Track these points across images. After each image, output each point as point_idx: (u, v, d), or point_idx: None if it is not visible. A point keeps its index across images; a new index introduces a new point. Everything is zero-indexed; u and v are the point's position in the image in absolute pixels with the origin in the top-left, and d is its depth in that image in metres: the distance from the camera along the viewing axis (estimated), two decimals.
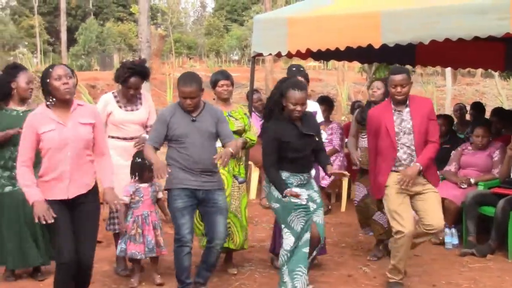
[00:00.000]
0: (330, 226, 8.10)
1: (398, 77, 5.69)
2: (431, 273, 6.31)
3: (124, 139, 6.20)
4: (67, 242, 4.63)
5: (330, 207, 9.21)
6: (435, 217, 5.68)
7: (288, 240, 5.29)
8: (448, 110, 16.03)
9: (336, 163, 8.94)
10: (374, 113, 5.93)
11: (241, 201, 6.33)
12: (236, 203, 6.29)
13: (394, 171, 5.75)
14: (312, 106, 6.82)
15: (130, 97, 6.25)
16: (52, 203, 4.58)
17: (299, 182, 5.37)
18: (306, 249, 5.32)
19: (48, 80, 4.57)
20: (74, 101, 4.71)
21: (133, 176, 6.00)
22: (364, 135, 6.78)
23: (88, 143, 4.71)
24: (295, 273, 5.27)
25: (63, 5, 26.18)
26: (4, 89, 5.98)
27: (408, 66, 11.60)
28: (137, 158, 5.96)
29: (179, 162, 5.37)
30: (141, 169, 5.93)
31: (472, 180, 7.57)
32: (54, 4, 50.01)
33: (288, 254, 5.29)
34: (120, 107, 6.23)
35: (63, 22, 25.90)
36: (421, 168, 5.64)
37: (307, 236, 5.31)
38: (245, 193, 6.41)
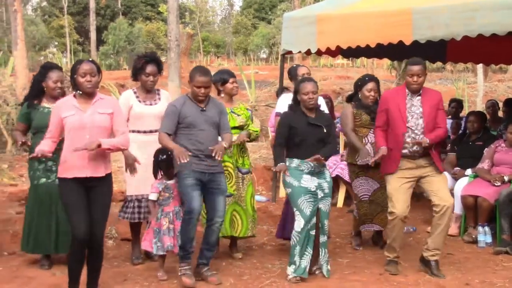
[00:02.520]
0: None
1: (415, 68, 6.03)
2: (464, 272, 6.24)
3: (144, 132, 6.47)
4: (82, 219, 5.14)
5: None
6: (441, 196, 6.03)
7: (299, 223, 5.92)
8: (480, 107, 15.82)
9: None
10: (388, 94, 6.39)
11: (246, 191, 6.75)
12: (239, 193, 6.71)
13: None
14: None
15: (149, 88, 6.54)
16: (70, 182, 5.14)
17: (309, 169, 5.97)
18: (313, 232, 5.96)
19: (75, 76, 5.16)
20: (98, 95, 5.28)
21: (158, 174, 6.12)
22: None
23: (105, 130, 5.21)
24: (303, 253, 5.93)
25: (92, 5, 26.36)
26: (36, 88, 6.39)
27: (439, 63, 11.54)
28: (160, 156, 6.07)
29: (188, 148, 5.79)
30: (167, 166, 6.04)
31: (506, 178, 7.47)
32: (83, 4, 50.42)
33: (299, 236, 5.91)
34: (140, 101, 6.51)
35: (92, 22, 26.08)
36: (428, 142, 5.99)
37: (314, 220, 5.94)
38: (250, 183, 6.84)
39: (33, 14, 53.75)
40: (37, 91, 6.38)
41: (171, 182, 6.06)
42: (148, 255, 6.63)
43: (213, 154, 5.67)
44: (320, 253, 6.07)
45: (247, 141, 6.85)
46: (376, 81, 7.07)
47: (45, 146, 5.17)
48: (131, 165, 6.07)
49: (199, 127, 5.87)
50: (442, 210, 5.99)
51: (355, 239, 7.28)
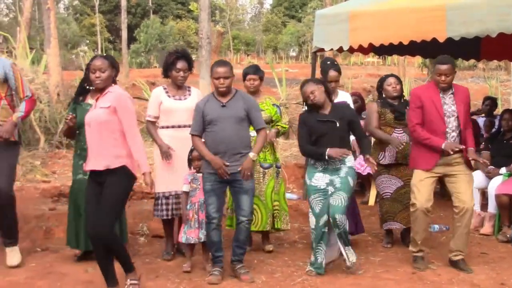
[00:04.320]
0: None
1: (443, 67, 6.00)
2: (499, 271, 6.15)
3: (173, 127, 6.53)
4: (90, 215, 5.28)
5: None
6: (462, 198, 6.03)
7: (311, 219, 6.10)
8: None
9: None
10: (420, 91, 6.26)
11: (266, 185, 6.80)
12: (260, 187, 6.74)
13: None
14: (343, 96, 7.17)
15: (179, 83, 6.59)
16: (89, 177, 5.40)
17: (323, 166, 6.03)
18: (325, 229, 6.04)
19: (87, 72, 5.40)
20: (109, 89, 5.32)
21: (190, 167, 6.29)
22: (399, 130, 6.90)
23: (106, 125, 5.21)
24: (316, 249, 6.07)
25: (123, 3, 26.39)
26: (82, 86, 6.53)
27: (471, 61, 11.38)
28: (189, 153, 6.27)
29: (210, 146, 5.84)
30: (190, 160, 6.25)
31: None
32: (114, 3, 50.78)
33: (314, 232, 6.08)
34: (169, 96, 6.57)
35: (123, 20, 26.10)
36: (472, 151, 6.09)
37: (325, 217, 5.98)
38: (272, 178, 6.85)
39: (65, 13, 54.37)
40: (82, 88, 6.50)
41: (200, 174, 6.17)
42: (179, 251, 6.69)
43: (240, 177, 5.75)
44: (339, 242, 6.05)
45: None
46: (395, 76, 7.21)
47: None
48: (165, 152, 6.37)
49: (219, 124, 5.81)
50: (462, 212, 6.03)
51: (385, 237, 7.25)
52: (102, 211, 5.20)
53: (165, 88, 6.64)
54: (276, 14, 57.70)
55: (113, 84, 5.37)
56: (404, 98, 7.16)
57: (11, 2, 50.78)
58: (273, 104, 6.96)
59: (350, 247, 6.09)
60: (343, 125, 6.01)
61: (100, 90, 5.31)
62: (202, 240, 6.17)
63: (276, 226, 6.90)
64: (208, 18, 11.32)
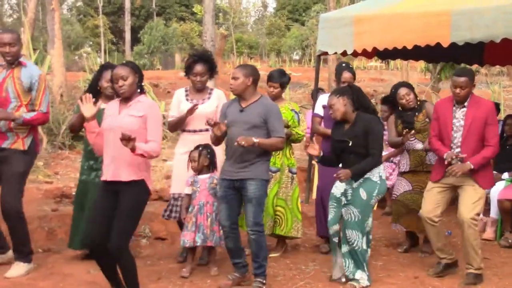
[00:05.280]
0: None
1: (459, 79, 5.92)
2: (501, 277, 6.16)
3: (189, 131, 6.43)
4: (95, 226, 5.05)
5: None
6: (460, 210, 5.91)
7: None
8: None
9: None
10: (439, 103, 6.34)
11: (270, 190, 6.59)
12: (287, 191, 6.78)
13: None
14: None
15: (197, 87, 6.44)
16: (102, 184, 5.12)
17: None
18: (335, 239, 5.89)
19: (111, 83, 5.23)
20: (137, 98, 5.08)
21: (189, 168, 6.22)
22: (411, 137, 6.79)
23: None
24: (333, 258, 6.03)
25: (127, 5, 26.49)
26: (93, 87, 6.39)
27: (475, 66, 11.37)
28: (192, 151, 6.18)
29: (226, 149, 5.77)
30: (199, 162, 6.16)
31: None
32: (118, 4, 50.86)
33: (330, 239, 6.03)
34: (188, 100, 6.44)
35: (127, 22, 26.23)
36: (472, 167, 5.81)
37: (335, 227, 5.86)
38: (276, 182, 6.74)
39: (68, 14, 54.44)
40: (93, 90, 6.26)
41: (202, 177, 6.16)
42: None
43: (239, 140, 5.38)
44: (344, 263, 5.84)
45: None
46: (405, 85, 7.17)
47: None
48: (190, 109, 6.22)
49: (233, 128, 5.58)
50: (460, 222, 5.93)
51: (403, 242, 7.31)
52: (116, 224, 4.95)
53: (186, 90, 6.53)
54: (280, 17, 57.76)
55: (138, 91, 5.11)
56: (418, 102, 7.10)
57: (15, 2, 50.88)
58: (292, 110, 6.82)
59: (361, 271, 5.78)
60: (360, 141, 5.76)
61: (126, 99, 5.06)
62: (198, 244, 6.11)
63: (275, 232, 6.80)
64: (212, 20, 11.36)
